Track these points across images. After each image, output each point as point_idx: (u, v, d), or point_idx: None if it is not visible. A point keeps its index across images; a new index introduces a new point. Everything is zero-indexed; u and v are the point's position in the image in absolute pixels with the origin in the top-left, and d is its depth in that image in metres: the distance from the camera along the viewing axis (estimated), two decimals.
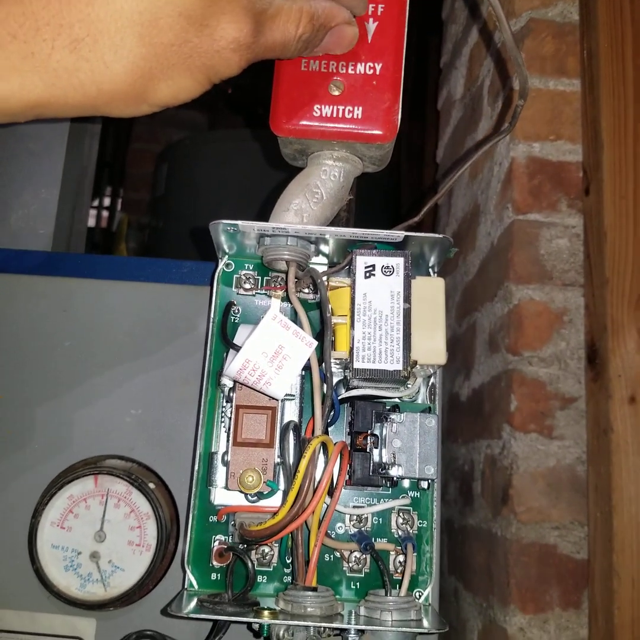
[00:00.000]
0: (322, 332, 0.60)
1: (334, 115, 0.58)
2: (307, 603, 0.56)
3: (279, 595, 0.58)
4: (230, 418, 0.62)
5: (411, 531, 0.64)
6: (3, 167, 0.97)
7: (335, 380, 0.61)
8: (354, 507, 0.64)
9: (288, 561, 0.63)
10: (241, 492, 0.60)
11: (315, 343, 0.58)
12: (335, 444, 0.58)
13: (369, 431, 0.61)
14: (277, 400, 0.62)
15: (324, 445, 0.59)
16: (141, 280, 0.77)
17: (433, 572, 0.63)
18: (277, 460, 0.61)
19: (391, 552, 0.64)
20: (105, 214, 2.41)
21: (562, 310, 0.76)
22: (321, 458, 0.61)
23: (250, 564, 0.60)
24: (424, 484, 0.63)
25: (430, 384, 0.66)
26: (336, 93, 0.58)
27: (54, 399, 0.73)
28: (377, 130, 0.58)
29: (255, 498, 0.62)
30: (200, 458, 0.63)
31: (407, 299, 0.58)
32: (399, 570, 0.63)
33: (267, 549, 0.63)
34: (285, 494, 0.57)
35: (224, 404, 0.64)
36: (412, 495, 0.65)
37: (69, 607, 0.67)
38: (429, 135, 1.80)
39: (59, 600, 0.67)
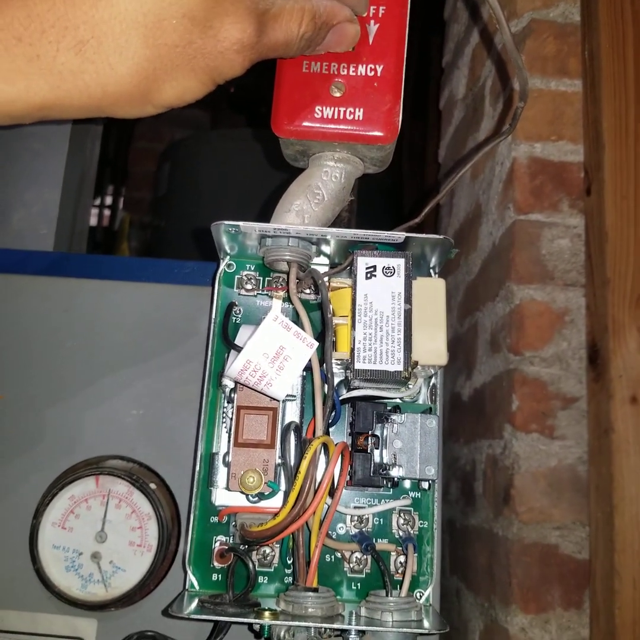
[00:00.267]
0: (323, 333, 0.60)
1: (335, 116, 0.58)
2: (308, 604, 0.56)
3: (279, 596, 0.58)
4: (231, 419, 0.62)
5: (412, 532, 0.64)
6: (5, 167, 0.97)
7: (336, 380, 0.61)
8: (355, 507, 0.64)
9: (289, 562, 0.63)
10: (242, 492, 0.60)
11: (316, 344, 0.58)
12: (336, 445, 0.58)
13: (370, 432, 0.61)
14: (278, 401, 0.62)
15: (325, 446, 0.59)
16: (143, 280, 0.77)
17: (434, 572, 0.63)
18: (278, 461, 0.61)
19: (392, 553, 0.64)
20: (107, 212, 2.41)
21: (563, 310, 0.76)
22: (322, 459, 0.61)
23: (251, 565, 0.60)
24: (425, 485, 0.63)
25: (431, 384, 0.66)
26: (337, 94, 0.58)
27: (56, 400, 0.73)
28: (378, 131, 0.58)
29: (256, 499, 0.62)
30: (201, 459, 0.63)
31: (408, 299, 0.58)
32: (399, 571, 0.63)
33: (268, 550, 0.63)
34: (286, 494, 0.57)
35: (225, 404, 0.64)
36: (413, 496, 0.65)
37: (69, 607, 0.67)
38: (431, 135, 1.80)
39: (59, 600, 0.67)
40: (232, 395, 0.62)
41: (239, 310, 0.67)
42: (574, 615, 0.70)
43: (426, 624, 0.57)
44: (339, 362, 0.60)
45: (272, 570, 0.63)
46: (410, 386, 0.61)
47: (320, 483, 0.57)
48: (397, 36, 0.59)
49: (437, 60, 1.35)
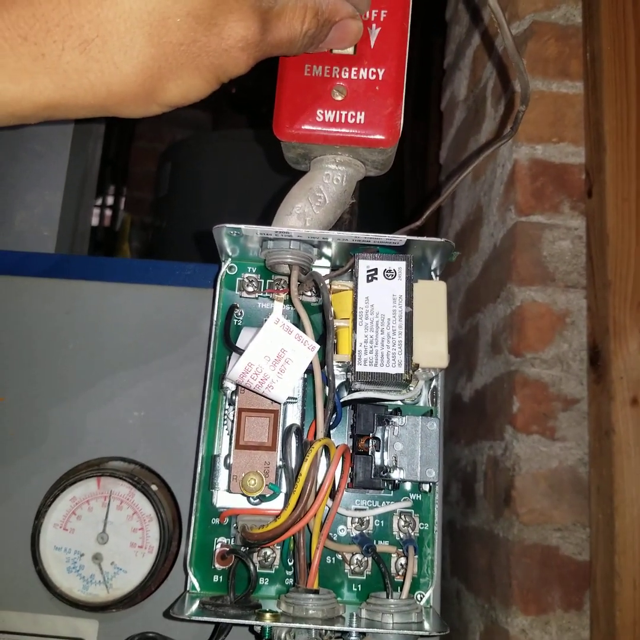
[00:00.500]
0: (325, 336, 0.60)
1: (337, 120, 0.58)
2: (308, 605, 0.56)
3: (280, 598, 0.58)
4: (232, 421, 0.62)
5: (413, 534, 0.64)
6: (7, 169, 0.98)
7: (337, 383, 0.61)
8: (356, 509, 0.64)
9: (290, 563, 0.63)
10: (243, 494, 0.61)
11: (317, 347, 0.58)
12: (337, 447, 0.58)
13: (371, 434, 0.61)
14: (279, 403, 0.62)
15: (326, 449, 0.59)
16: (144, 282, 0.77)
17: (434, 574, 0.63)
18: (279, 463, 0.61)
19: (393, 555, 0.64)
20: (108, 212, 2.41)
21: (564, 312, 0.76)
22: (323, 461, 0.61)
23: (252, 567, 0.60)
24: (426, 487, 0.63)
25: (432, 386, 0.66)
26: (339, 98, 0.58)
27: (58, 401, 0.74)
28: (380, 135, 0.58)
29: (257, 501, 0.62)
30: (202, 461, 0.63)
31: (409, 302, 0.58)
32: (400, 573, 0.63)
33: (269, 552, 0.63)
34: (287, 497, 0.57)
35: (227, 406, 0.64)
36: (414, 498, 0.65)
37: (71, 608, 0.67)
38: (432, 135, 1.80)
39: (61, 601, 0.67)
40: (234, 397, 0.63)
41: (241, 312, 0.67)
42: (574, 617, 0.70)
43: (427, 625, 0.58)
44: (340, 364, 0.60)
45: (273, 572, 0.63)
46: (411, 388, 0.61)
47: (321, 485, 0.57)
48: (398, 40, 0.59)
49: (438, 61, 1.35)
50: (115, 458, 0.72)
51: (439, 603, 0.68)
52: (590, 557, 0.71)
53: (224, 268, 0.68)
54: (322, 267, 0.67)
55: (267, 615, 0.56)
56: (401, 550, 0.64)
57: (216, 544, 0.64)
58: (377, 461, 0.61)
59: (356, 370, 0.57)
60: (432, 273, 0.67)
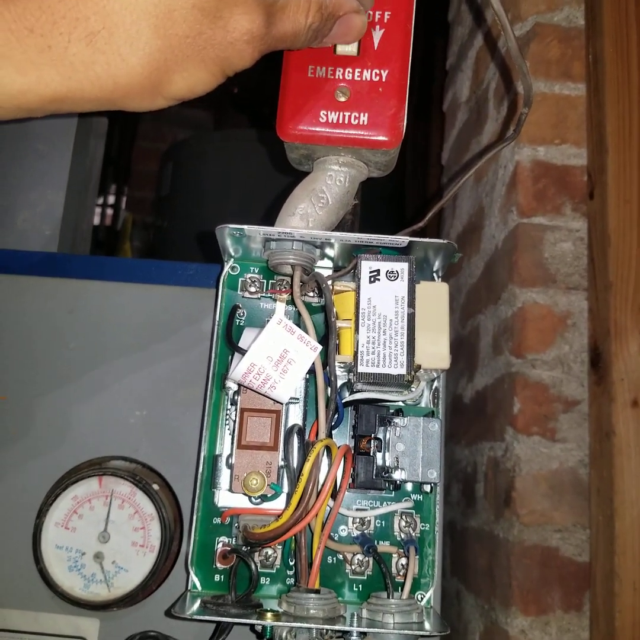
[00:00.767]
0: (327, 336, 0.60)
1: (340, 121, 0.58)
2: (309, 605, 0.56)
3: (282, 597, 0.59)
4: (234, 421, 0.62)
5: (413, 534, 0.64)
6: (10, 168, 0.98)
7: (339, 383, 0.61)
8: (357, 510, 0.65)
9: (291, 563, 0.63)
10: (245, 494, 0.61)
11: (319, 347, 0.58)
12: (338, 448, 0.58)
13: (373, 435, 0.61)
14: (281, 403, 0.62)
15: (328, 449, 0.59)
16: (147, 282, 0.77)
17: (435, 574, 0.63)
18: (281, 463, 0.61)
19: (393, 555, 0.64)
20: (109, 212, 2.41)
21: (565, 314, 0.76)
22: (325, 461, 0.61)
23: (253, 566, 0.60)
24: (427, 488, 0.64)
25: (433, 387, 0.66)
26: (342, 99, 0.59)
27: (60, 400, 0.74)
28: (383, 136, 0.58)
29: (259, 500, 0.62)
30: (204, 460, 0.63)
31: (411, 303, 0.58)
32: (401, 573, 0.63)
33: (270, 551, 0.63)
34: (289, 496, 0.58)
35: (229, 406, 0.64)
36: (415, 499, 0.65)
37: (72, 607, 0.67)
38: (434, 136, 1.80)
39: (62, 600, 0.67)
40: (236, 397, 0.63)
41: (243, 312, 0.67)
42: (574, 618, 0.70)
43: (427, 625, 0.58)
44: (342, 365, 0.60)
45: (274, 571, 0.64)
46: (413, 389, 0.61)
47: (322, 485, 0.57)
48: (402, 42, 0.59)
49: (441, 62, 1.35)
50: (117, 457, 0.72)
51: (440, 603, 0.68)
52: (590, 558, 0.71)
53: (226, 268, 0.68)
54: (324, 267, 0.67)
55: (269, 614, 0.57)
56: (402, 550, 0.64)
57: (217, 543, 0.64)
58: (379, 462, 0.61)
59: (358, 371, 0.57)
60: (434, 274, 0.67)
